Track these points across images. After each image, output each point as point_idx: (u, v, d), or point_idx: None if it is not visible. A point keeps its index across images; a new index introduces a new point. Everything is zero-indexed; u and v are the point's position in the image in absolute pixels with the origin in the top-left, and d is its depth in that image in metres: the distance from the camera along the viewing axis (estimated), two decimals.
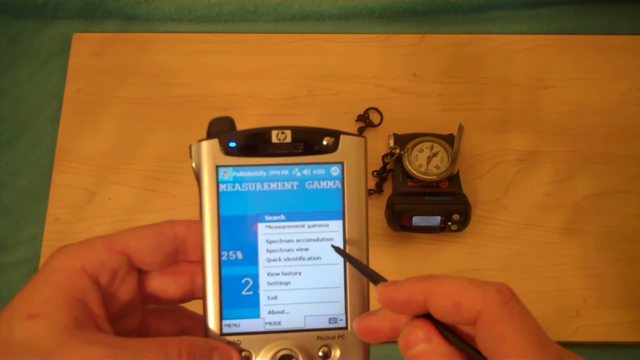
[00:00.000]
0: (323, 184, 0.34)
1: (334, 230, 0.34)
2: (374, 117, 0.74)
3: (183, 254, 0.34)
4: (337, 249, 0.34)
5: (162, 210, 0.70)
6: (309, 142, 0.34)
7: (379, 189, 0.70)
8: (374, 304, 0.34)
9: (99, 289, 0.31)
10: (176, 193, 0.71)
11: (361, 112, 0.73)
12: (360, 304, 0.34)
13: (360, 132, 0.72)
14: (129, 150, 0.73)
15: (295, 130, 0.34)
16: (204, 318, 0.33)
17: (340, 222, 0.34)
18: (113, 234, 0.33)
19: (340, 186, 0.34)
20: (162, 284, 0.34)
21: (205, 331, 0.33)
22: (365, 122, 0.73)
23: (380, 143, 0.72)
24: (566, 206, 0.70)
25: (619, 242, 0.69)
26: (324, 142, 0.34)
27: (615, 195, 0.71)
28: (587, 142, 0.73)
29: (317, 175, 0.34)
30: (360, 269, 0.33)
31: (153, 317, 0.35)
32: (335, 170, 0.34)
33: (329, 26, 0.79)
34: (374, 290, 0.34)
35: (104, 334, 0.30)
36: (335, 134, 0.34)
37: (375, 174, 0.70)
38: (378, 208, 0.68)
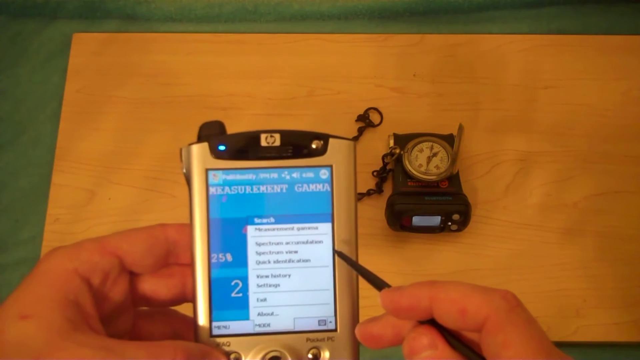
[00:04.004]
0: (312, 187, 0.34)
1: (323, 233, 0.34)
2: (374, 117, 0.74)
3: (174, 257, 0.34)
4: (340, 254, 0.34)
5: (162, 210, 0.70)
6: (298, 146, 0.34)
7: (379, 189, 0.70)
8: (363, 306, 0.34)
9: (91, 291, 0.31)
10: (176, 193, 0.71)
11: (361, 112, 0.73)
12: (349, 306, 0.34)
13: (360, 132, 0.72)
14: (129, 150, 0.73)
15: (284, 134, 0.34)
16: (194, 319, 0.33)
17: (329, 224, 0.34)
18: (105, 237, 0.33)
19: (329, 189, 0.34)
20: (154, 287, 0.34)
21: (195, 332, 0.33)
22: (365, 122, 0.73)
23: (380, 143, 0.72)
24: (566, 206, 0.70)
25: (618, 242, 0.69)
26: (313, 146, 0.34)
27: (615, 195, 0.71)
28: (587, 142, 0.73)
29: (306, 178, 0.34)
30: (363, 275, 0.33)
31: (144, 320, 0.35)
32: (324, 174, 0.34)
33: (329, 26, 0.79)
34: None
35: (98, 335, 0.30)
36: (324, 137, 0.34)
37: (375, 174, 0.70)
38: (378, 208, 0.68)
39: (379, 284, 0.31)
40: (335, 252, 0.34)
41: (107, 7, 0.79)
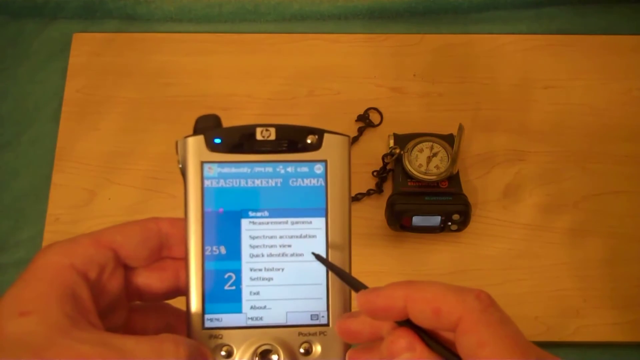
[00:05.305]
0: (306, 181, 0.34)
1: (316, 228, 0.34)
2: (374, 117, 0.74)
3: (167, 251, 0.34)
4: (317, 256, 0.34)
5: (162, 210, 0.70)
6: (293, 140, 0.34)
7: (379, 189, 0.70)
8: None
9: (88, 285, 0.31)
10: (176, 193, 0.71)
11: (361, 112, 0.73)
12: (341, 301, 0.34)
13: (360, 132, 0.72)
14: (129, 150, 0.73)
15: (279, 128, 0.34)
16: (186, 312, 0.33)
17: (323, 219, 0.34)
18: (99, 230, 0.33)
19: (323, 184, 0.34)
20: (147, 280, 0.34)
21: (187, 325, 0.33)
22: (365, 122, 0.73)
23: (380, 143, 0.72)
24: (566, 206, 0.70)
25: (618, 242, 0.69)
26: (308, 140, 0.34)
27: (615, 195, 0.71)
28: (587, 142, 0.73)
29: (301, 172, 0.34)
30: (340, 276, 0.33)
31: (138, 314, 0.35)
32: (318, 168, 0.34)
33: (329, 26, 0.79)
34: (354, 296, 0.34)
35: (97, 331, 0.30)
36: (319, 132, 0.34)
37: (375, 174, 0.70)
38: (378, 208, 0.68)
39: (356, 285, 0.31)
40: (313, 254, 0.34)
41: (107, 7, 0.78)
